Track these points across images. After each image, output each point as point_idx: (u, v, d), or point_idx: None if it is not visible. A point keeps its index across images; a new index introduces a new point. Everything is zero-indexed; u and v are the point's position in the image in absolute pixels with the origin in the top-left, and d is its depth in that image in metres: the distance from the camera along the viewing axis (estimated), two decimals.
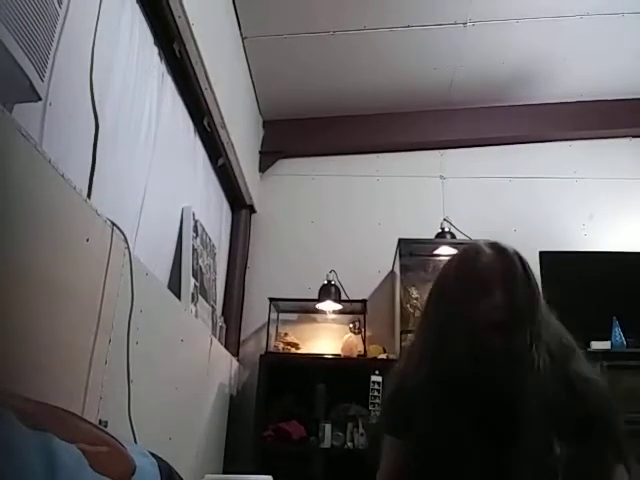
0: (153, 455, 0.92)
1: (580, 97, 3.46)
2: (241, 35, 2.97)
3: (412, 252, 2.97)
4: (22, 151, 0.98)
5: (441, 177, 3.54)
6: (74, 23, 1.33)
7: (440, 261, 3.09)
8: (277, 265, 3.40)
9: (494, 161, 3.55)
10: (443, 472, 1.01)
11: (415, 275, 3.09)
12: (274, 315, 3.17)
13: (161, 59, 2.07)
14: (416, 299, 3.01)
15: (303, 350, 3.10)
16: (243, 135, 3.10)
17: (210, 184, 2.89)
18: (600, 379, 1.12)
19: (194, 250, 2.37)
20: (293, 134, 3.67)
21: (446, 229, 3.07)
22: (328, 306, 3.15)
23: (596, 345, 2.60)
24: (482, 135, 3.56)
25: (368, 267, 3.31)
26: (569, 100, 3.48)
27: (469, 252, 1.16)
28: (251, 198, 3.41)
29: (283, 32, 2.98)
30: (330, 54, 3.13)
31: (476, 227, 3.17)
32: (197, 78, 2.27)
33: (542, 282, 2.93)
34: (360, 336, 3.07)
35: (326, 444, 2.66)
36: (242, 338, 3.24)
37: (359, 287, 3.24)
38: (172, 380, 1.87)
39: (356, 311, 3.17)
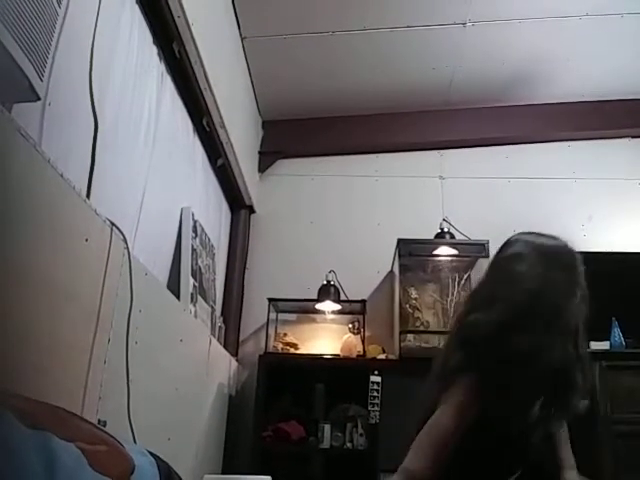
0: (152, 454, 0.92)
1: (579, 97, 3.46)
2: (240, 35, 2.97)
3: (411, 252, 2.97)
4: (21, 151, 0.98)
5: (440, 177, 3.54)
6: (73, 23, 1.33)
7: (439, 261, 3.10)
8: (276, 265, 3.40)
9: (493, 161, 3.55)
10: (510, 407, 1.11)
11: (414, 275, 3.09)
12: (273, 315, 3.17)
13: (160, 59, 2.07)
14: (415, 299, 3.01)
15: (302, 350, 3.10)
16: (242, 135, 3.10)
17: (209, 184, 2.89)
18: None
19: (193, 250, 2.37)
20: (292, 134, 3.67)
21: (445, 229, 3.07)
22: (327, 306, 3.15)
23: (595, 345, 2.60)
24: (481, 135, 3.56)
25: (367, 267, 3.31)
26: (568, 100, 3.49)
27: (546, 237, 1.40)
28: (250, 198, 3.41)
29: (282, 32, 2.98)
30: (330, 54, 3.13)
31: (475, 227, 3.17)
32: (196, 78, 2.27)
33: None
34: (359, 336, 3.07)
35: (325, 444, 2.66)
36: (241, 338, 3.24)
37: (358, 287, 3.24)
38: (171, 380, 1.87)
39: (355, 311, 3.17)
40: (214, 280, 2.80)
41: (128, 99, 1.75)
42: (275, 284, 3.28)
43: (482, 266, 2.92)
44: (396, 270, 3.04)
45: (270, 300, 3.11)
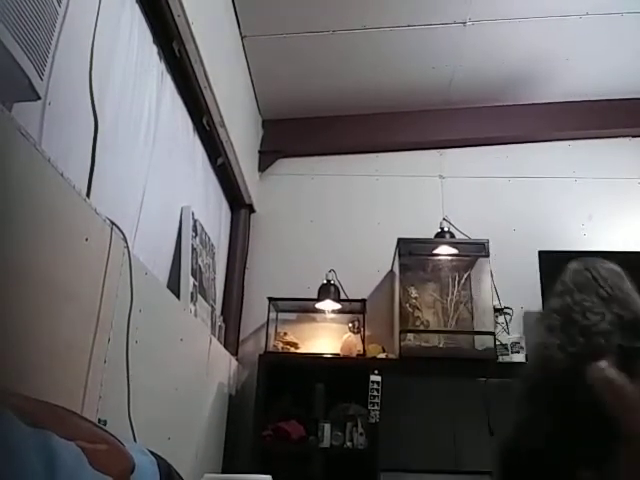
0: (152, 453, 0.92)
1: (579, 97, 3.46)
2: (240, 34, 2.97)
3: (411, 252, 2.97)
4: (21, 150, 0.98)
5: (440, 177, 3.55)
6: (73, 22, 1.33)
7: (440, 261, 3.10)
8: (276, 264, 3.40)
9: (493, 161, 3.55)
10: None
11: (414, 275, 3.09)
12: (273, 315, 3.17)
13: (160, 58, 2.07)
14: (415, 298, 3.01)
15: (302, 350, 3.10)
16: (242, 134, 3.10)
17: (209, 183, 2.89)
18: None
19: (193, 249, 2.37)
20: (292, 133, 3.67)
21: (445, 229, 3.07)
22: (327, 306, 3.15)
23: None
24: (481, 135, 3.56)
25: (367, 266, 3.32)
26: (568, 100, 3.48)
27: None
28: (250, 197, 3.41)
29: (282, 31, 2.98)
30: (330, 53, 3.13)
31: (475, 227, 3.18)
32: (196, 77, 2.27)
33: (542, 282, 2.97)
34: (359, 335, 3.07)
35: (325, 444, 2.66)
36: (241, 338, 3.24)
37: (358, 287, 3.24)
38: (171, 379, 1.87)
39: (355, 311, 3.17)
40: (214, 279, 2.80)
41: (128, 98, 1.75)
42: (275, 283, 3.28)
43: (482, 265, 2.93)
44: (396, 269, 3.04)
45: (270, 299, 3.11)
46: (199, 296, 2.42)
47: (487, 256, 2.88)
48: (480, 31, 2.95)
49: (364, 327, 3.07)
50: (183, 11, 1.93)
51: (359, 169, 3.61)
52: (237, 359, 3.10)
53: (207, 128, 2.58)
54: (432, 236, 3.07)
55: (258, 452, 2.63)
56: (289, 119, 3.67)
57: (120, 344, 1.38)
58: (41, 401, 0.80)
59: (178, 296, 2.14)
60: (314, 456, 2.76)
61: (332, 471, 2.73)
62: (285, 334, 3.12)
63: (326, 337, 3.20)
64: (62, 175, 1.11)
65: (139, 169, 1.87)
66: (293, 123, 3.68)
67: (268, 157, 3.66)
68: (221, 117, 2.56)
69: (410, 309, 2.97)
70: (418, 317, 2.98)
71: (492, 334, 2.72)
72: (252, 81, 3.35)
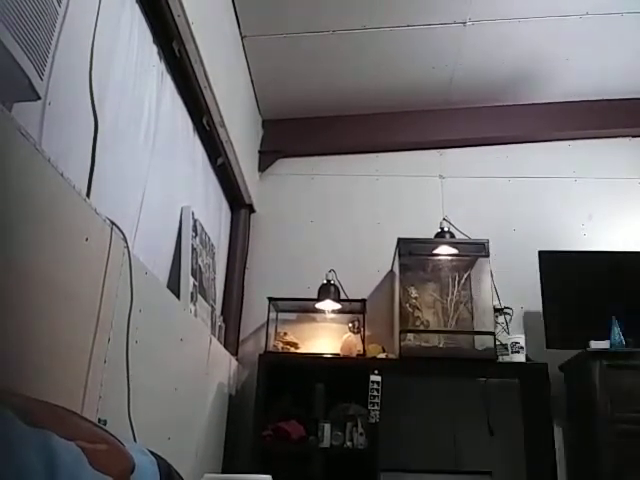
0: (152, 453, 0.92)
1: (579, 96, 3.46)
2: (240, 34, 2.97)
3: (411, 251, 2.97)
4: (21, 150, 0.98)
5: (440, 177, 3.55)
6: (74, 22, 1.33)
7: (440, 260, 3.10)
8: (276, 265, 3.40)
9: (493, 161, 3.55)
10: None
11: (414, 275, 3.09)
12: (273, 314, 3.17)
13: (160, 58, 2.07)
14: (415, 298, 3.01)
15: (302, 350, 3.10)
16: (242, 134, 3.10)
17: (209, 183, 2.89)
18: None
19: (193, 249, 2.37)
20: (292, 133, 3.67)
21: (445, 229, 3.07)
22: (327, 305, 3.15)
23: (595, 344, 2.61)
24: (481, 134, 3.56)
25: (367, 266, 3.32)
26: (568, 99, 3.49)
27: None
28: (250, 197, 3.41)
29: (283, 31, 2.98)
30: (330, 53, 3.13)
31: (475, 227, 3.18)
32: (196, 77, 2.27)
33: (542, 282, 2.97)
34: (359, 335, 3.07)
35: (325, 444, 2.66)
36: (241, 338, 3.24)
37: (358, 287, 3.24)
38: (171, 379, 1.87)
39: (355, 311, 3.17)
40: (214, 279, 2.80)
41: (128, 98, 1.75)
42: (275, 283, 3.28)
43: (482, 265, 2.93)
44: (396, 269, 3.04)
45: (270, 299, 3.11)
46: (199, 296, 2.42)
47: (487, 256, 2.88)
48: (480, 31, 2.95)
49: (364, 327, 3.07)
50: (183, 11, 1.93)
51: (359, 169, 3.61)
52: (237, 359, 3.10)
53: (207, 128, 2.58)
54: (432, 236, 3.07)
55: (258, 452, 2.62)
56: (289, 119, 3.67)
57: (120, 344, 1.38)
58: (41, 401, 0.80)
59: (178, 296, 2.14)
60: (314, 456, 2.76)
61: (332, 471, 2.73)
62: (285, 334, 3.12)
63: (326, 337, 3.20)
64: (62, 175, 1.11)
65: (139, 169, 1.87)
66: (293, 123, 3.68)
67: (268, 157, 3.66)
68: (221, 117, 2.56)
69: (410, 309, 2.97)
70: (418, 317, 2.98)
71: (492, 334, 2.72)
72: (252, 81, 3.35)
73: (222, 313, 3.13)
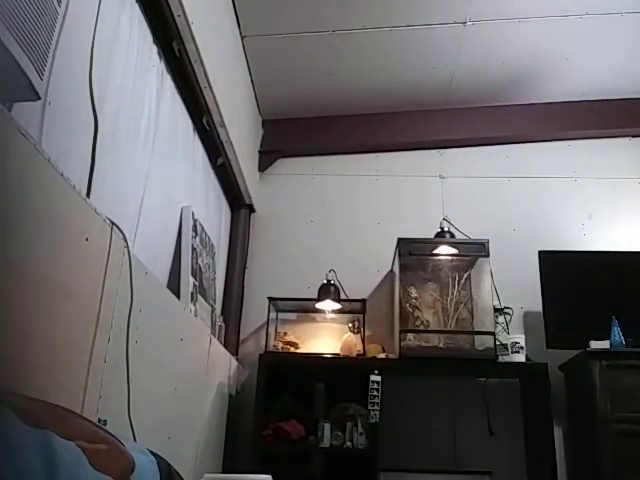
0: (152, 453, 0.92)
1: (579, 97, 3.46)
2: (240, 34, 2.97)
3: (411, 251, 2.97)
4: (21, 150, 0.98)
5: (440, 177, 3.55)
6: (73, 22, 1.33)
7: (440, 260, 3.10)
8: (276, 264, 3.40)
9: (493, 161, 3.55)
10: None
11: (414, 274, 3.09)
12: (273, 314, 3.17)
13: (160, 58, 2.07)
14: (415, 298, 3.01)
15: (302, 350, 3.10)
16: (242, 134, 3.10)
17: (209, 183, 2.89)
18: None
19: (193, 249, 2.37)
20: (292, 133, 3.67)
21: (445, 228, 3.07)
22: (327, 305, 3.15)
23: (595, 344, 2.61)
24: (482, 134, 3.56)
25: (367, 266, 3.32)
26: (568, 99, 3.49)
27: None
28: (250, 197, 3.41)
29: (283, 31, 2.98)
30: (330, 53, 3.13)
31: (475, 227, 3.18)
32: (196, 77, 2.27)
33: (542, 282, 2.97)
34: (359, 335, 3.07)
35: (325, 443, 2.66)
36: (241, 337, 3.24)
37: (358, 286, 3.24)
38: (171, 379, 1.87)
39: (355, 310, 3.17)
40: (214, 279, 2.80)
41: (128, 98, 1.75)
42: (275, 283, 3.28)
43: (482, 265, 2.93)
44: (396, 269, 3.04)
45: (270, 299, 3.11)
46: (199, 296, 2.42)
47: (487, 256, 2.88)
48: (480, 31, 2.95)
49: (364, 327, 3.07)
50: (183, 11, 1.93)
51: (359, 169, 3.61)
52: (237, 359, 3.10)
53: (207, 128, 2.58)
54: (432, 236, 3.07)
55: (258, 452, 2.62)
56: (289, 119, 3.67)
57: (120, 344, 1.38)
58: (41, 401, 0.80)
59: (178, 296, 2.13)
60: (314, 456, 2.76)
61: (332, 471, 2.73)
62: (285, 334, 3.12)
63: (326, 337, 3.20)
64: (62, 175, 1.11)
65: (139, 169, 1.87)
66: (293, 123, 3.68)
67: (268, 157, 3.66)
68: (221, 117, 2.56)
69: (410, 309, 2.97)
70: (418, 317, 2.98)
71: (492, 334, 2.71)
72: (252, 81, 3.35)
73: (222, 313, 3.13)
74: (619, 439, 2.41)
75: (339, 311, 3.21)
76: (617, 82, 3.36)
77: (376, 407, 2.60)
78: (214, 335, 2.63)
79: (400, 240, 2.99)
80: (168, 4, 1.89)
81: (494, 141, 3.57)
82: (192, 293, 2.30)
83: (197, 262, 2.42)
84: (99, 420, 1.25)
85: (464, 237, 3.14)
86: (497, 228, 3.20)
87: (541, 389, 2.67)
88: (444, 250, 3.02)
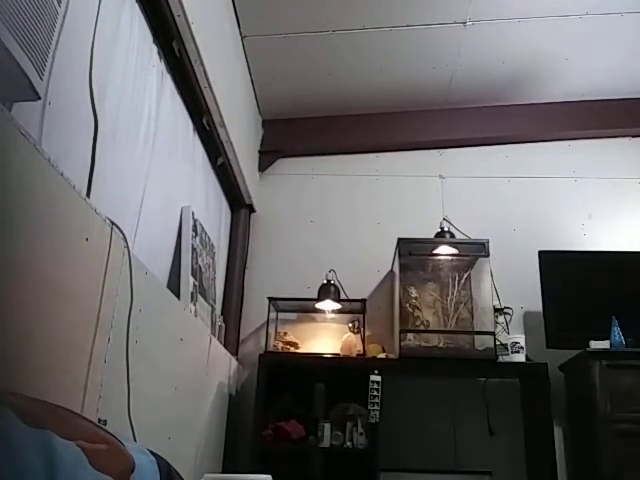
0: (152, 453, 0.92)
1: (579, 97, 3.46)
2: (240, 34, 2.97)
3: (411, 251, 2.97)
4: (21, 150, 0.98)
5: (440, 177, 3.55)
6: (73, 22, 1.33)
7: (440, 260, 3.10)
8: (276, 264, 3.40)
9: (493, 161, 3.55)
10: None
11: (414, 274, 3.09)
12: (273, 314, 3.17)
13: (160, 58, 2.07)
14: (415, 298, 3.01)
15: (302, 349, 3.10)
16: (242, 134, 3.10)
17: (209, 183, 2.89)
18: None
19: (193, 249, 2.37)
20: (292, 133, 3.67)
21: (445, 228, 3.07)
22: (327, 305, 3.15)
23: (595, 344, 2.61)
24: (481, 134, 3.56)
25: (367, 266, 3.32)
26: (568, 99, 3.49)
27: None
28: (250, 197, 3.41)
29: (283, 31, 2.98)
30: (330, 53, 3.13)
31: (475, 227, 3.18)
32: (196, 77, 2.27)
33: (541, 282, 2.97)
34: (359, 335, 3.07)
35: (325, 443, 2.66)
36: (241, 337, 3.24)
37: (358, 286, 3.24)
38: (171, 379, 1.87)
39: (355, 310, 3.17)
40: (214, 279, 2.80)
41: (128, 98, 1.75)
42: (275, 283, 3.28)
43: (482, 265, 2.93)
44: (396, 269, 3.04)
45: (270, 299, 3.11)
46: (199, 296, 2.42)
47: (487, 256, 2.88)
48: (480, 31, 2.95)
49: (364, 327, 3.07)
50: (183, 11, 1.93)
51: (359, 169, 3.61)
52: (237, 359, 3.10)
53: (207, 128, 2.58)
54: (432, 236, 3.07)
55: (258, 452, 2.62)
56: (289, 119, 3.67)
57: (120, 344, 1.38)
58: (41, 401, 0.80)
59: (178, 296, 2.13)
60: (314, 456, 2.76)
61: (332, 471, 2.73)
62: (285, 334, 3.12)
63: (326, 337, 3.20)
64: (62, 175, 1.11)
65: (139, 169, 1.87)
66: (293, 123, 3.68)
67: (268, 157, 3.66)
68: (221, 117, 2.56)
69: (410, 309, 2.97)
70: (418, 317, 2.98)
71: (492, 334, 2.71)
72: (252, 81, 3.35)
73: (222, 313, 3.12)
74: (619, 439, 2.41)
75: (339, 311, 3.21)
76: (617, 82, 3.36)
77: (376, 407, 2.60)
78: (214, 335, 2.63)
79: (400, 240, 2.99)
80: (168, 4, 1.89)
81: (494, 141, 3.57)
82: (192, 293, 2.30)
83: (197, 262, 2.42)
84: (99, 420, 1.25)
85: (464, 237, 3.14)
86: (497, 228, 3.20)
87: (541, 389, 2.67)
88: (444, 250, 3.02)
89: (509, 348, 2.76)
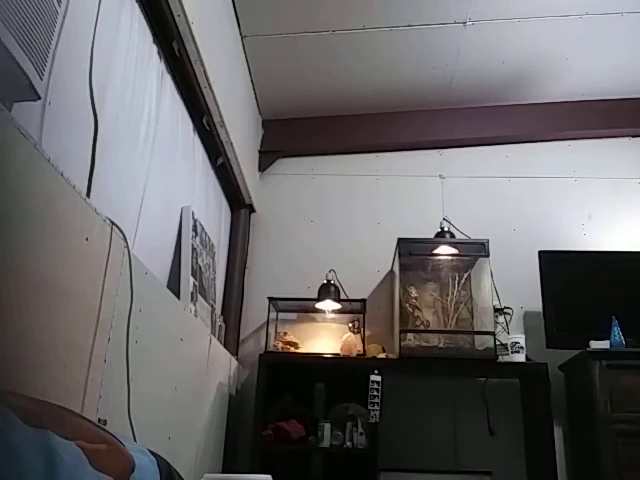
0: (152, 453, 0.92)
1: (580, 96, 3.46)
2: (240, 34, 2.97)
3: (411, 251, 2.97)
4: (21, 150, 0.98)
5: (440, 176, 3.55)
6: (73, 22, 1.33)
7: (440, 260, 3.10)
8: (276, 264, 3.40)
9: (493, 160, 3.55)
10: None
11: (414, 274, 3.09)
12: (273, 314, 3.17)
13: (160, 58, 2.07)
14: (415, 298, 3.01)
15: (302, 349, 3.10)
16: (242, 134, 3.10)
17: (209, 183, 2.89)
18: None
19: (193, 249, 2.37)
20: (292, 133, 3.67)
21: (445, 228, 3.07)
22: (327, 305, 3.15)
23: (595, 344, 2.61)
24: (482, 134, 3.56)
25: (367, 266, 3.32)
26: (568, 99, 3.49)
27: None
28: (250, 197, 3.41)
29: (283, 31, 2.98)
30: (330, 53, 3.13)
31: (475, 227, 3.18)
32: (196, 77, 2.27)
33: (542, 282, 2.97)
34: (359, 335, 3.07)
35: (325, 443, 2.66)
36: (241, 337, 3.24)
37: (358, 286, 3.24)
38: (171, 379, 1.87)
39: (355, 310, 3.17)
40: (214, 279, 2.80)
41: (128, 98, 1.75)
42: (275, 283, 3.29)
43: (482, 265, 2.93)
44: (396, 269, 3.04)
45: (270, 299, 3.11)
46: (199, 296, 2.42)
47: (487, 256, 2.88)
48: (480, 31, 2.95)
49: (364, 327, 3.07)
50: (183, 11, 1.93)
51: (359, 169, 3.61)
52: (237, 359, 3.10)
53: (207, 128, 2.58)
54: (432, 236, 3.07)
55: (258, 452, 2.62)
56: (289, 119, 3.67)
57: (120, 344, 1.38)
58: (41, 401, 0.80)
59: (178, 296, 2.13)
60: (314, 456, 2.77)
61: (332, 471, 2.74)
62: (285, 334, 3.12)
63: (326, 337, 3.20)
64: (62, 175, 1.11)
65: (139, 169, 1.87)
66: (293, 123, 3.68)
67: (268, 157, 3.66)
68: (221, 117, 2.56)
69: (410, 309, 2.97)
70: (418, 317, 2.98)
71: (492, 334, 2.71)
72: (252, 81, 3.35)
73: (222, 313, 3.13)
74: (619, 439, 2.41)
75: (339, 311, 3.21)
76: (617, 82, 3.36)
77: (376, 407, 2.60)
78: (214, 335, 2.63)
79: (400, 240, 2.99)
80: (168, 4, 1.89)
81: (494, 141, 3.57)
82: (192, 293, 2.30)
83: (197, 262, 2.42)
84: (99, 420, 1.25)
85: (464, 237, 3.14)
86: (497, 228, 3.20)
87: (541, 389, 2.67)
88: (444, 250, 3.02)
89: (509, 348, 2.76)
